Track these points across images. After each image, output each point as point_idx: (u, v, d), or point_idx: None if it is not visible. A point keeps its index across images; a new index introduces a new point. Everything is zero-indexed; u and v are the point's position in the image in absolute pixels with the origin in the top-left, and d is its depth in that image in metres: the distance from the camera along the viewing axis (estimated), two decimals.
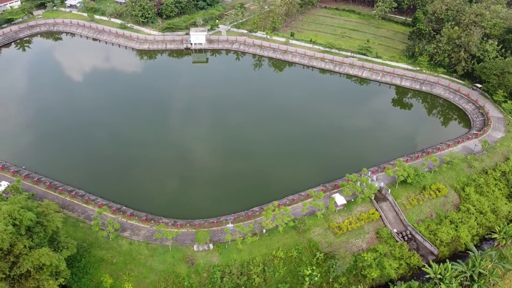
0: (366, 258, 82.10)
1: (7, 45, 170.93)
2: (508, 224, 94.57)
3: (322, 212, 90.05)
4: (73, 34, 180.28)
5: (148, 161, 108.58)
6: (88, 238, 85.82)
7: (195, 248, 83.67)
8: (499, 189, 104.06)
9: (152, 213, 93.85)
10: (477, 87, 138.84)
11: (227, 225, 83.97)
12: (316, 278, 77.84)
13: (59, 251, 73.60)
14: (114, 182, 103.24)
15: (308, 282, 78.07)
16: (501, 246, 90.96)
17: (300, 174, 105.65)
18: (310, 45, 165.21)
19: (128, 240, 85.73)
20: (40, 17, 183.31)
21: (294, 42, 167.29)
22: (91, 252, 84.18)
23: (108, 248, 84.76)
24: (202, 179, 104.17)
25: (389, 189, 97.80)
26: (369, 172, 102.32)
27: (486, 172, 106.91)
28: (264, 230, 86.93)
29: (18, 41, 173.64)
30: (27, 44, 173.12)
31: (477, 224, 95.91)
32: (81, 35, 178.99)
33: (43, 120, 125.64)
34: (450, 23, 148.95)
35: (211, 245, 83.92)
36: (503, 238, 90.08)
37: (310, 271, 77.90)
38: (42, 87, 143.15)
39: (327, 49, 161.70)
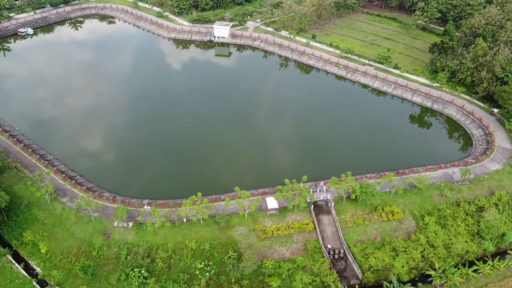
0: (267, 265, 78.76)
1: (61, 23, 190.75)
2: (454, 263, 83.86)
3: (246, 212, 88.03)
4: (117, 19, 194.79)
5: (122, 141, 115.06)
6: (32, 197, 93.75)
7: (115, 224, 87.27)
8: (467, 225, 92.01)
9: (100, 186, 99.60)
10: (494, 112, 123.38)
11: (144, 207, 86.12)
12: (207, 274, 76.67)
13: None
14: (89, 155, 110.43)
15: (201, 277, 77.15)
16: (439, 285, 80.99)
17: (257, 176, 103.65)
18: (331, 49, 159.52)
19: (63, 205, 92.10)
20: (93, 1, 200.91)
21: (315, 44, 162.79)
22: (30, 210, 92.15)
23: (45, 209, 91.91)
24: (162, 164, 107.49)
25: (333, 203, 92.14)
26: (322, 182, 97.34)
27: (459, 204, 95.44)
28: (185, 220, 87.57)
29: (73, 20, 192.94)
30: (79, 24, 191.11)
31: (422, 257, 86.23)
32: (124, 20, 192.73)
33: (57, 92, 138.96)
34: (480, 39, 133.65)
35: (130, 224, 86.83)
36: (440, 277, 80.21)
37: (202, 266, 77.01)
38: (68, 63, 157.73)
39: (344, 55, 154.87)
